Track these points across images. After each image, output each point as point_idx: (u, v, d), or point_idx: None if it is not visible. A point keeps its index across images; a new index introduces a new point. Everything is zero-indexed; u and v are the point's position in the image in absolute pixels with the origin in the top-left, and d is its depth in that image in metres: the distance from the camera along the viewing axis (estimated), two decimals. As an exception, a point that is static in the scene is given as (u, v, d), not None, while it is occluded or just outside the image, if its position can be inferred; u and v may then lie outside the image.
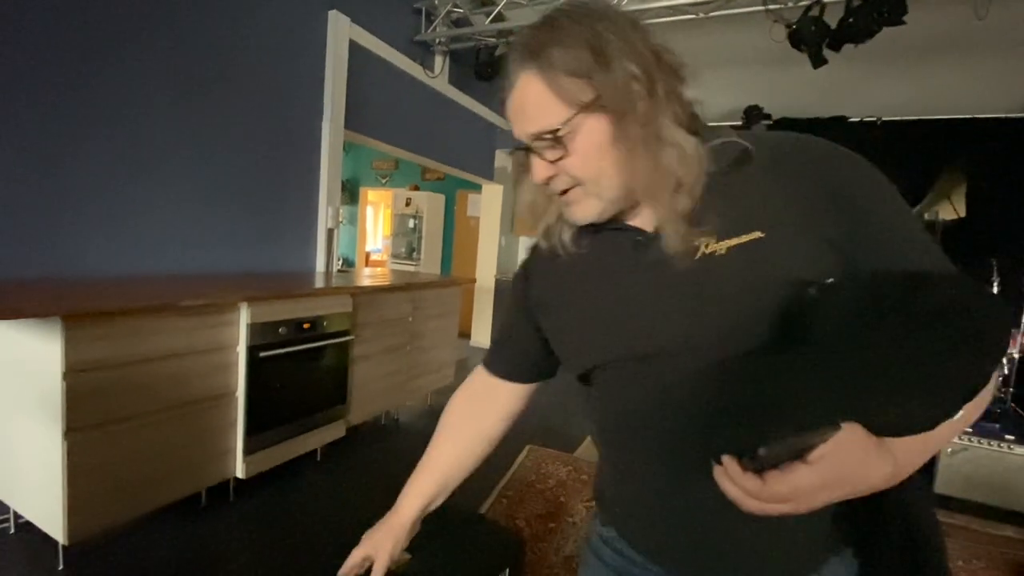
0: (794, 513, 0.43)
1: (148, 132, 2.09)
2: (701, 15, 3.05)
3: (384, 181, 7.04)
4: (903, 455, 0.45)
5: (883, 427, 0.42)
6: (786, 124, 4.39)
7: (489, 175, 5.14)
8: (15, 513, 1.71)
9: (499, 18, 3.56)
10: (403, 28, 3.63)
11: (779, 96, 4.28)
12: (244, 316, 1.92)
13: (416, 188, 6.64)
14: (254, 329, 1.95)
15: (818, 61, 2.83)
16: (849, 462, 0.42)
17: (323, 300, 2.28)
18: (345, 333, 2.41)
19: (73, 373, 1.45)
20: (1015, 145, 3.71)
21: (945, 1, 2.63)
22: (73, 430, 1.47)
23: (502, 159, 5.28)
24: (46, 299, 1.50)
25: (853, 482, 0.43)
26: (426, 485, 0.75)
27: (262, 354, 1.97)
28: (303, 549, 1.78)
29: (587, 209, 0.56)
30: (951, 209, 4.04)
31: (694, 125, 0.54)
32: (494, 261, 5.43)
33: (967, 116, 3.89)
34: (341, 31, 3.04)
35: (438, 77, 3.98)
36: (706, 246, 0.54)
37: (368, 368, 2.64)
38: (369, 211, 7.50)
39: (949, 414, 0.41)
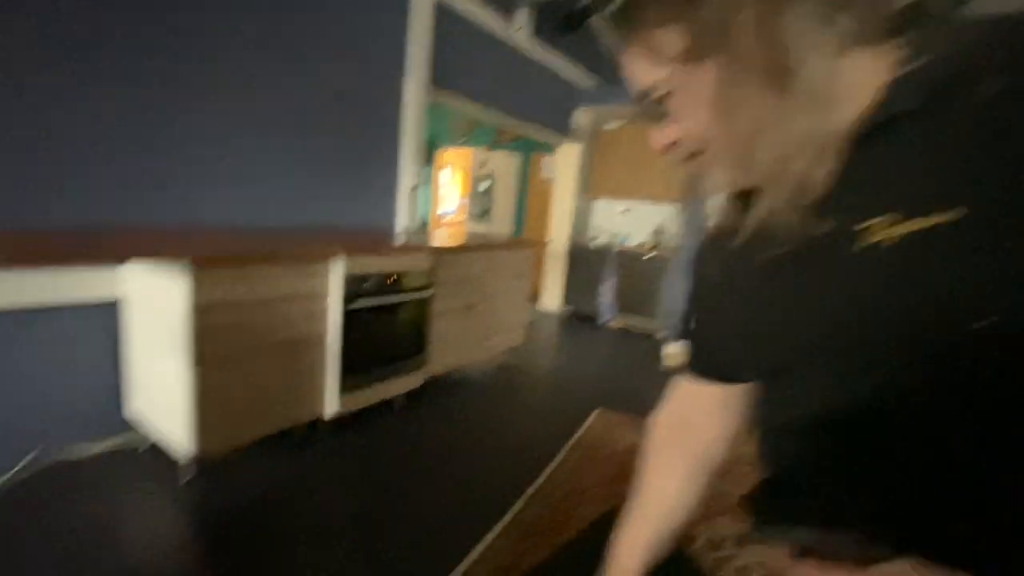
0: None
1: (244, 93, 2.21)
2: None
3: (461, 142, 7.08)
4: None
5: None
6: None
7: (566, 133, 5.01)
8: (147, 434, 1.98)
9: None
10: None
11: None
12: (340, 268, 2.04)
13: (491, 149, 6.63)
14: (347, 280, 2.07)
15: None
16: None
17: (407, 257, 2.37)
18: (425, 288, 2.50)
19: (200, 311, 1.62)
20: None
21: None
22: (200, 363, 1.65)
23: (582, 117, 5.11)
24: (175, 245, 1.67)
25: None
26: (641, 535, 0.60)
27: (353, 304, 2.10)
28: (384, 485, 1.93)
29: (714, 178, 0.46)
30: None
31: (891, 33, 0.37)
32: (568, 223, 5.36)
33: None
34: None
35: (521, 31, 3.87)
36: (873, 233, 0.37)
37: (445, 323, 2.74)
38: (444, 172, 7.59)
39: None
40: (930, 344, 0.34)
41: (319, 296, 2.03)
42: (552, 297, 5.50)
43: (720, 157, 0.44)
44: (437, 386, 2.97)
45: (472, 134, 6.91)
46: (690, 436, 0.62)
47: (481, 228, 6.46)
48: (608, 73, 4.93)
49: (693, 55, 0.40)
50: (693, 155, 0.45)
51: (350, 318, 2.11)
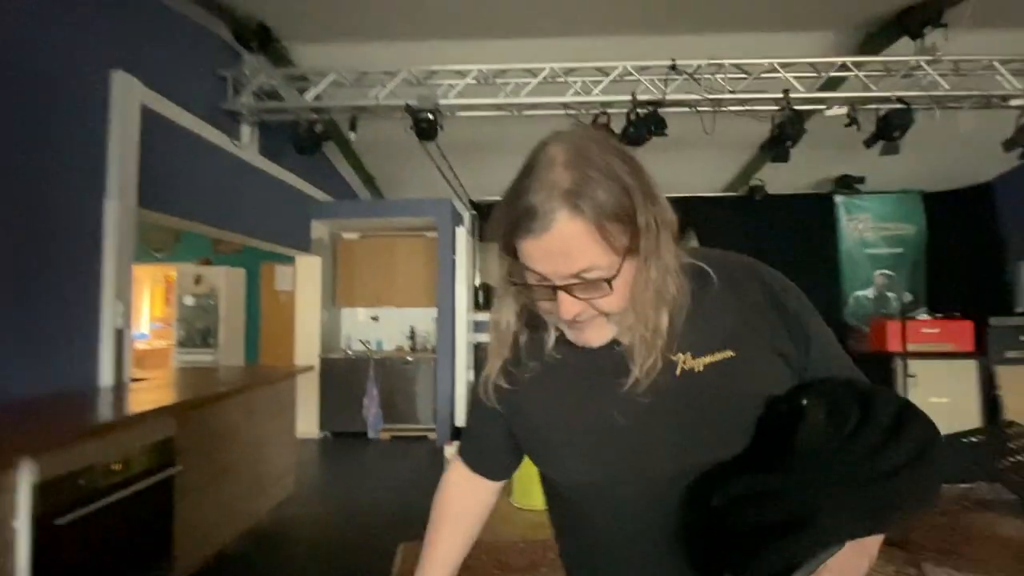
0: None
1: None
2: (515, 113, 3.51)
3: (160, 256, 5.92)
4: (873, 542, 0.54)
5: (874, 529, 0.52)
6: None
7: (306, 247, 4.80)
8: None
9: (318, 98, 3.51)
10: (206, 95, 3.29)
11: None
12: (27, 475, 1.40)
13: (208, 262, 5.75)
14: (45, 490, 1.43)
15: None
16: (848, 570, 0.51)
17: (139, 428, 1.81)
18: (168, 465, 1.94)
19: None
20: (731, 215, 5.17)
21: (687, 118, 3.61)
22: None
23: (319, 230, 4.99)
24: None
25: None
26: (435, 571, 0.74)
27: (59, 520, 1.45)
28: None
29: (603, 335, 0.59)
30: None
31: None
32: (317, 339, 4.98)
33: (695, 195, 5.24)
34: (130, 95, 2.61)
35: (247, 147, 3.67)
36: (684, 363, 0.59)
37: (196, 501, 2.16)
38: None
39: (920, 511, 0.53)
40: (752, 421, 0.59)
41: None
42: (308, 421, 4.89)
43: (620, 320, 0.59)
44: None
45: (175, 246, 5.89)
46: (468, 504, 0.79)
47: (205, 356, 5.38)
48: (338, 189, 5.04)
49: (632, 251, 0.55)
50: (595, 318, 0.58)
51: (53, 543, 1.45)
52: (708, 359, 0.59)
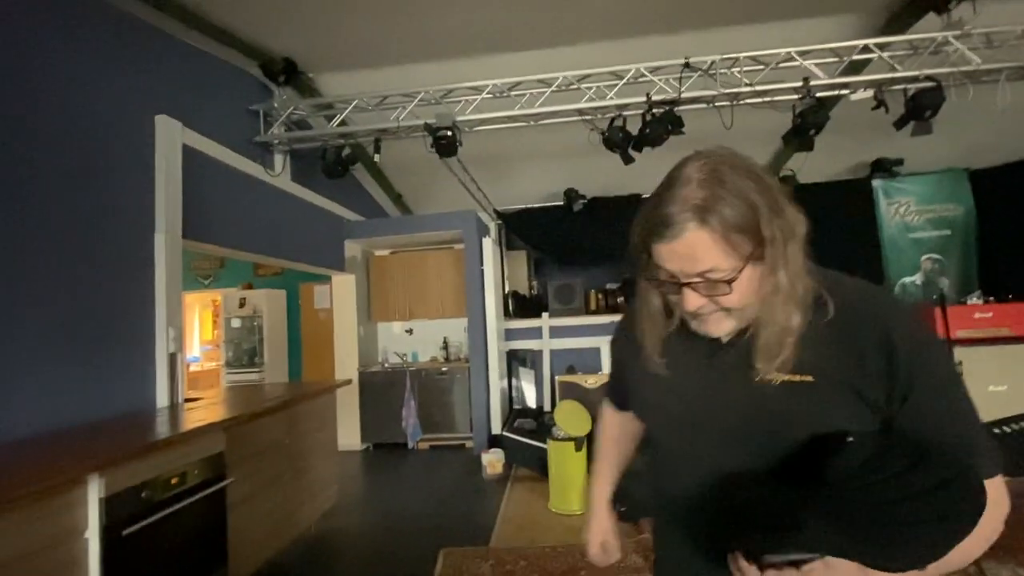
0: None
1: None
2: (532, 123, 3.57)
3: (207, 283, 6.27)
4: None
5: (865, 564, 0.56)
6: (597, 202, 5.20)
7: (340, 265, 4.98)
8: None
9: (343, 123, 3.66)
10: (240, 130, 3.49)
11: (593, 180, 5.09)
12: (96, 490, 1.54)
13: (250, 286, 6.05)
14: (111, 503, 1.57)
15: (627, 159, 3.52)
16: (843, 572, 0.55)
17: (192, 444, 1.94)
18: (220, 477, 2.07)
19: None
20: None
21: (705, 113, 3.58)
22: None
23: (352, 249, 5.18)
24: None
25: None
26: (610, 479, 1.04)
27: (126, 531, 1.59)
28: None
29: (725, 328, 0.68)
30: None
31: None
32: (355, 353, 5.15)
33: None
34: (172, 137, 2.81)
35: (280, 175, 3.86)
36: (765, 372, 0.66)
37: (248, 511, 2.30)
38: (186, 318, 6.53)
39: (915, 568, 0.55)
40: (801, 442, 0.64)
41: (70, 537, 1.48)
42: (350, 434, 5.06)
43: (742, 317, 0.67)
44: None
45: (219, 273, 6.22)
46: (627, 426, 1.05)
47: (252, 375, 5.65)
48: (369, 208, 5.21)
49: (756, 258, 0.62)
50: (716, 312, 0.67)
51: (121, 552, 1.59)
52: (787, 377, 0.64)
